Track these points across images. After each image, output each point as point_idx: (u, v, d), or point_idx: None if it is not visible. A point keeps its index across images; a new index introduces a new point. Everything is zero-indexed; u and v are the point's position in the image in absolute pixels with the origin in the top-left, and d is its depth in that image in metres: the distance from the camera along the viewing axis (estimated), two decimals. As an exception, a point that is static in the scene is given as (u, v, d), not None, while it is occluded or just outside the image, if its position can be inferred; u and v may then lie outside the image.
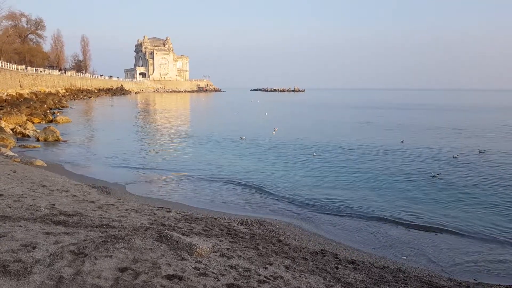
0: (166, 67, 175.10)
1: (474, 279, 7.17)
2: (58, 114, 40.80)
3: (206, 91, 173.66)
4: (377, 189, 13.74)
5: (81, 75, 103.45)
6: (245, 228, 8.70)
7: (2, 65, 51.21)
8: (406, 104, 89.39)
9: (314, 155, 19.55)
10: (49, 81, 70.24)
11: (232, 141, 25.38)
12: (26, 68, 58.48)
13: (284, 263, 5.98)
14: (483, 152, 20.80)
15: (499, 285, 6.90)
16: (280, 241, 7.95)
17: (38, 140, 23.33)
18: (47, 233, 5.33)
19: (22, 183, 9.81)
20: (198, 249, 5.34)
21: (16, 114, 30.00)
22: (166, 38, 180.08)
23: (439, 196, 12.95)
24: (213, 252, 5.64)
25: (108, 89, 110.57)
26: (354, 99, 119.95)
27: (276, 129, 30.88)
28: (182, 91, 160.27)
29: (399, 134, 28.74)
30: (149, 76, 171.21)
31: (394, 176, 15.62)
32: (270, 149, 22.39)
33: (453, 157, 19.33)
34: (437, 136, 29.05)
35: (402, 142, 24.64)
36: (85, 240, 5.27)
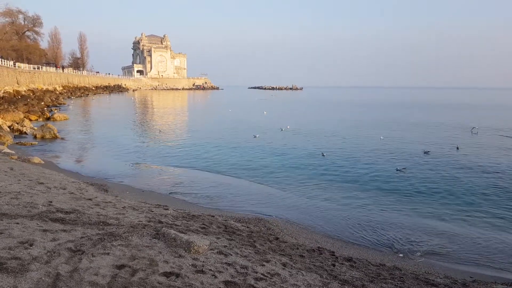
0: (164, 64, 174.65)
1: (470, 277, 7.21)
2: (56, 111, 40.63)
3: (204, 88, 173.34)
4: (373, 187, 13.78)
5: (79, 72, 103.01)
6: (243, 225, 8.72)
7: (-1, 62, 50.94)
8: (404, 102, 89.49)
9: (323, 155, 19.21)
10: (47, 78, 69.89)
11: (230, 139, 25.38)
12: (14, 64, 57.63)
13: (281, 261, 6.00)
14: (458, 149, 21.68)
15: (495, 282, 6.95)
16: (277, 238, 7.97)
17: (35, 137, 23.25)
18: (45, 230, 5.33)
19: (19, 180, 9.79)
20: (195, 247, 5.35)
21: (13, 111, 29.90)
22: (164, 36, 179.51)
23: (431, 193, 13.03)
24: (210, 249, 5.65)
25: (106, 87, 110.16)
26: (352, 97, 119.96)
27: (288, 126, 31.10)
28: (179, 89, 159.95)
29: (405, 134, 28.87)
30: (146, 74, 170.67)
31: (393, 174, 15.68)
32: (269, 147, 22.40)
33: (424, 152, 20.03)
34: (425, 132, 29.82)
35: (381, 138, 25.34)
36: (82, 237, 5.27)
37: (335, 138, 26.33)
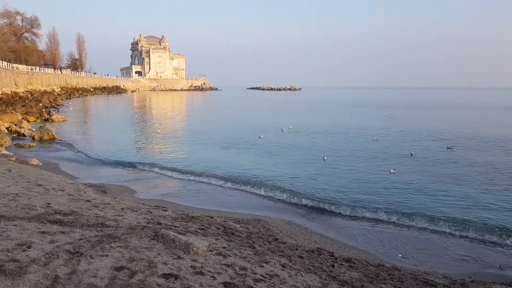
0: (162, 65, 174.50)
1: (469, 277, 7.22)
2: (54, 112, 40.57)
3: (202, 89, 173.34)
4: (371, 188, 13.78)
5: (77, 73, 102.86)
6: (242, 226, 8.71)
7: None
8: (400, 103, 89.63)
9: (324, 159, 18.76)
10: (45, 79, 69.76)
11: (227, 140, 25.37)
12: (10, 65, 57.25)
13: (280, 262, 5.99)
14: (451, 149, 21.77)
15: (494, 282, 6.95)
16: (276, 239, 7.96)
17: (33, 139, 23.20)
18: (43, 232, 5.31)
19: (17, 182, 9.76)
20: (194, 248, 5.34)
21: (11, 112, 29.83)
22: (162, 37, 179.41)
23: (428, 194, 13.04)
24: (210, 250, 5.64)
25: (104, 88, 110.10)
26: (349, 98, 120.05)
27: (290, 126, 31.17)
28: (178, 90, 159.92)
29: (406, 144, 28.87)
30: (145, 75, 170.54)
31: (389, 176, 15.69)
32: (267, 148, 22.40)
33: (411, 154, 20.06)
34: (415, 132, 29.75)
35: (375, 139, 25.41)
36: (80, 239, 5.25)
37: (333, 138, 26.35)
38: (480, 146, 23.06)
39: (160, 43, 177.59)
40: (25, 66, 66.00)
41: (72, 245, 4.91)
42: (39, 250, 4.56)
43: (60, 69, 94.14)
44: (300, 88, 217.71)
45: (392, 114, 48.01)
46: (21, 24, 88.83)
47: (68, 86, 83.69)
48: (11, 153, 16.59)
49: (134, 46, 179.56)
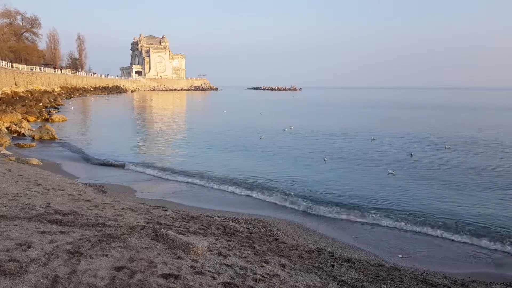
0: (163, 65, 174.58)
1: (469, 277, 7.22)
2: (54, 112, 40.58)
3: (202, 89, 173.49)
4: (371, 189, 13.78)
5: (77, 73, 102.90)
6: (242, 226, 8.71)
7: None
8: (400, 103, 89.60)
9: (325, 160, 18.57)
10: (45, 79, 69.78)
11: (228, 140, 25.37)
12: (12, 65, 57.08)
13: (280, 262, 5.99)
14: (449, 148, 21.91)
15: (494, 282, 6.95)
16: (276, 239, 7.96)
17: (33, 138, 23.20)
18: (43, 232, 5.31)
19: (17, 182, 9.76)
20: (194, 248, 5.33)
21: (11, 112, 29.81)
22: (163, 36, 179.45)
23: (429, 195, 13.04)
24: (210, 250, 5.64)
25: (104, 88, 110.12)
26: (348, 98, 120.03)
27: (292, 127, 31.19)
28: (178, 90, 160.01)
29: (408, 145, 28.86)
30: (145, 75, 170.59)
31: (388, 176, 15.69)
32: (268, 148, 22.40)
33: (411, 154, 20.06)
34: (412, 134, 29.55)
35: (373, 139, 25.25)
36: (80, 239, 5.25)
37: (334, 138, 26.35)
38: (479, 147, 23.06)
39: (160, 43, 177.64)
40: (25, 65, 66.04)
41: (72, 245, 4.91)
42: (39, 250, 4.55)
43: (60, 69, 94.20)
44: (301, 88, 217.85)
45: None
46: (21, 24, 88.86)
47: (68, 85, 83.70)
48: (11, 153, 16.58)
49: (134, 45, 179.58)
